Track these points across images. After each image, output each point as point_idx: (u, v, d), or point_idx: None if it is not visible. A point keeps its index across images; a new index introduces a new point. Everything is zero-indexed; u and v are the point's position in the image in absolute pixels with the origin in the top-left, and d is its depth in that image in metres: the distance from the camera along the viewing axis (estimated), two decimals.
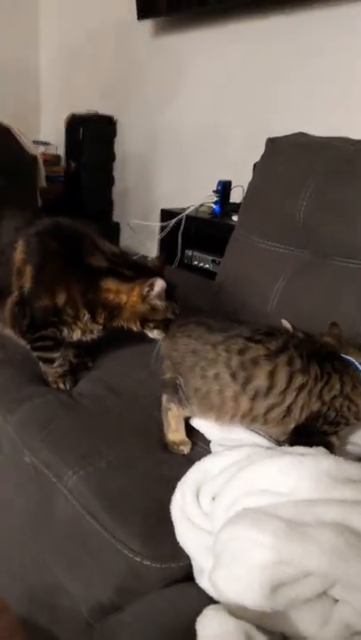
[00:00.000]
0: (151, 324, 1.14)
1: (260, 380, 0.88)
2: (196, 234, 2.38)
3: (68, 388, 1.19)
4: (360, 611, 0.62)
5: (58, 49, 3.53)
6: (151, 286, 1.11)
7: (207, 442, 1.02)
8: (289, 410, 0.89)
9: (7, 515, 1.13)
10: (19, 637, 1.13)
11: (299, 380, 0.88)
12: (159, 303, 1.13)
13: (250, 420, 0.91)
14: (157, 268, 1.21)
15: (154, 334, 1.14)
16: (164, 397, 1.00)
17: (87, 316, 1.16)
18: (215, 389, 0.91)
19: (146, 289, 1.12)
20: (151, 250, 2.67)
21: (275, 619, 0.64)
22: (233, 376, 0.89)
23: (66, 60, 3.49)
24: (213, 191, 2.39)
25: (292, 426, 0.90)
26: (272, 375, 0.88)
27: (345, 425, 0.90)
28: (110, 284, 1.14)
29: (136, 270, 1.16)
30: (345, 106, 2.09)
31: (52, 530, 0.97)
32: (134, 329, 1.17)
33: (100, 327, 1.19)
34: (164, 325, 1.12)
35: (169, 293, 1.14)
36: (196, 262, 2.42)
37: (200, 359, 0.93)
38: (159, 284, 1.11)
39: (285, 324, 1.01)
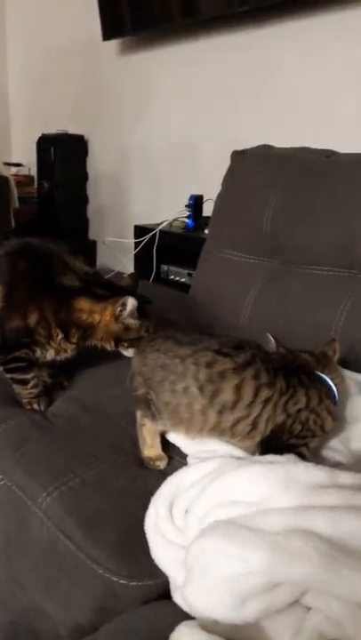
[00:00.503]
0: (125, 344, 1.14)
1: (227, 394, 0.88)
2: (171, 248, 2.40)
3: (42, 408, 1.18)
4: (333, 618, 0.62)
5: (25, 69, 3.56)
6: (123, 305, 1.11)
7: (184, 455, 1.01)
8: (255, 423, 0.89)
9: None
10: None
11: (264, 393, 0.88)
12: (132, 322, 1.13)
13: (218, 433, 0.91)
14: (131, 287, 1.21)
15: (128, 353, 1.14)
16: (138, 413, 1.00)
17: (60, 336, 1.16)
18: (184, 403, 0.91)
19: (118, 308, 1.12)
20: (127, 266, 2.68)
21: (247, 631, 0.63)
22: (201, 389, 0.89)
23: (34, 80, 3.51)
24: (186, 206, 2.41)
25: (258, 439, 0.90)
26: (238, 389, 0.88)
27: (312, 437, 0.90)
28: (83, 303, 1.14)
29: (109, 289, 1.16)
30: (310, 118, 2.13)
31: (28, 552, 0.95)
32: (108, 348, 1.16)
33: (74, 346, 1.18)
34: (139, 343, 1.11)
35: (142, 311, 1.14)
36: (171, 276, 2.44)
37: (169, 373, 0.93)
38: (131, 303, 1.11)
39: (270, 338, 1.00)
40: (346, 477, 0.76)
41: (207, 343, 0.93)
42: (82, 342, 1.17)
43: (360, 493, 0.71)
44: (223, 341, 0.94)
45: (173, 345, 0.95)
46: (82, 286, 1.16)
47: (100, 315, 1.13)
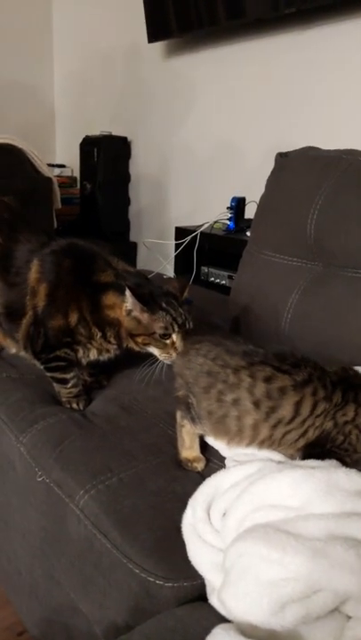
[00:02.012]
0: (139, 339, 1.10)
1: (286, 411, 0.86)
2: (211, 250, 2.39)
3: (81, 408, 1.19)
4: None
5: (70, 72, 3.62)
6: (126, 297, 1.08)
7: (222, 458, 1.01)
8: (305, 432, 0.87)
9: (22, 534, 1.13)
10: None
11: (322, 407, 0.86)
12: (142, 316, 1.08)
13: (267, 445, 0.89)
14: (175, 289, 1.15)
15: (156, 353, 1.10)
16: (178, 414, 1.00)
17: (99, 335, 1.16)
18: (233, 415, 0.88)
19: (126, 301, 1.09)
20: (167, 268, 2.69)
21: (285, 637, 0.62)
22: (256, 404, 0.86)
23: (78, 82, 3.57)
24: (227, 208, 2.40)
25: (302, 444, 0.88)
26: (298, 405, 0.86)
27: (353, 452, 0.87)
28: (111, 298, 1.13)
29: (138, 285, 1.12)
30: (355, 120, 2.09)
31: (65, 549, 0.96)
32: (136, 348, 1.13)
33: (115, 346, 1.18)
34: (162, 343, 1.08)
35: (155, 306, 1.08)
36: (212, 278, 2.43)
37: (217, 381, 0.90)
38: (127, 294, 1.07)
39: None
40: None
41: (263, 357, 0.90)
42: (120, 342, 1.16)
43: None
44: (281, 357, 0.90)
45: (224, 353, 0.92)
46: (114, 282, 1.14)
47: (120, 309, 1.11)
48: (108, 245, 1.25)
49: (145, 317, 1.08)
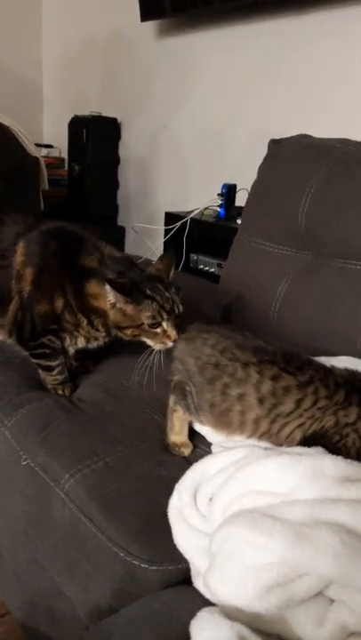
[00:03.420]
0: (128, 331, 1.08)
1: (287, 407, 0.86)
2: (201, 237, 2.38)
3: (67, 394, 1.18)
4: (357, 611, 0.61)
5: (60, 50, 3.55)
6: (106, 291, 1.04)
7: (208, 444, 1.01)
8: (303, 424, 0.86)
9: (5, 517, 1.13)
10: (9, 624, 1.12)
11: (322, 403, 0.85)
12: (125, 307, 1.05)
13: (265, 438, 0.88)
14: (160, 271, 1.13)
15: (150, 343, 1.07)
16: (172, 398, 0.99)
17: (85, 322, 1.13)
18: (237, 409, 0.88)
19: (108, 295, 1.05)
20: (156, 254, 2.67)
21: (269, 620, 0.63)
22: (260, 400, 0.86)
23: (69, 60, 3.50)
24: (218, 194, 2.38)
25: (299, 436, 0.87)
26: (299, 402, 0.85)
27: (345, 456, 0.84)
28: (93, 288, 1.09)
29: (118, 274, 1.08)
30: (349, 108, 2.08)
31: (50, 533, 0.96)
32: (126, 338, 1.10)
33: (103, 334, 1.15)
34: (152, 332, 1.05)
35: (141, 295, 1.04)
36: (201, 266, 2.42)
37: (224, 374, 0.89)
38: (106, 288, 1.04)
39: None
40: None
41: (273, 356, 0.89)
42: (108, 330, 1.13)
43: None
44: (289, 359, 0.89)
45: (234, 347, 0.91)
46: (97, 269, 1.09)
47: (104, 300, 1.07)
48: (98, 229, 1.22)
49: (130, 309, 1.05)
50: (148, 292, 1.05)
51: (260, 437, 0.88)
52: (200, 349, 0.93)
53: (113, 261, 1.12)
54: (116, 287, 1.03)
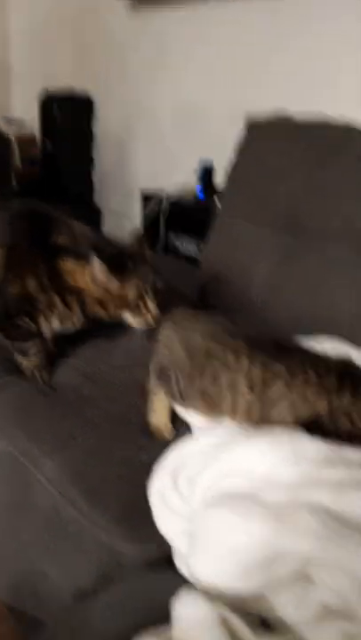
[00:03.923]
0: (110, 308, 1.06)
1: (276, 391, 0.85)
2: (179, 217, 2.35)
3: (44, 379, 1.16)
4: (336, 590, 0.62)
5: (30, 19, 3.41)
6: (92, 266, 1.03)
7: (189, 427, 1.01)
8: (294, 407, 0.85)
9: None
10: (6, 624, 1.12)
11: (312, 389, 0.84)
12: (110, 284, 1.03)
13: (256, 423, 0.87)
14: (134, 248, 1.11)
15: (130, 321, 1.07)
16: (153, 381, 0.98)
17: (59, 302, 1.11)
18: (227, 396, 0.88)
19: (92, 270, 1.03)
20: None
21: (250, 600, 0.64)
22: (251, 388, 0.86)
23: (37, 33, 3.37)
24: (196, 173, 2.35)
25: (291, 420, 0.86)
26: (289, 386, 0.85)
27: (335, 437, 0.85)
28: (68, 265, 1.07)
29: (95, 249, 1.04)
30: (325, 84, 2.07)
31: (32, 517, 0.96)
32: (106, 317, 1.09)
33: (80, 316, 1.13)
34: (135, 309, 1.05)
35: (125, 272, 1.03)
36: (179, 245, 2.39)
37: (214, 361, 0.89)
38: (94, 263, 1.01)
39: None
40: (354, 453, 0.76)
41: (264, 343, 0.89)
42: (84, 311, 1.11)
43: None
44: (279, 346, 0.90)
45: (225, 335, 0.91)
46: (70, 246, 1.07)
47: (82, 278, 1.05)
48: (68, 208, 1.19)
49: (114, 285, 1.04)
50: (131, 266, 1.03)
51: (251, 422, 0.88)
52: (190, 336, 0.93)
53: (87, 239, 1.10)
54: (104, 262, 1.01)
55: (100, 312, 1.09)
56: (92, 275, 1.04)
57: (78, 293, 1.09)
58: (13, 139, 2.57)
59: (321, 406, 0.84)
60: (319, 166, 1.34)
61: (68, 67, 3.20)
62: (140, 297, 1.03)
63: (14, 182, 2.61)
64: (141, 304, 1.04)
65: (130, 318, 1.07)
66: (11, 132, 2.64)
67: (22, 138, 3.11)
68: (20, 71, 3.54)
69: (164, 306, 1.04)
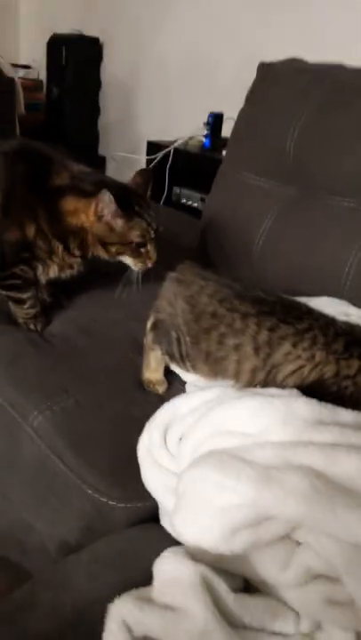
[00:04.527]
0: (113, 248, 1.03)
1: (282, 351, 0.83)
2: (185, 169, 2.28)
3: (38, 329, 1.14)
4: (323, 555, 0.60)
5: None
6: (101, 200, 0.99)
7: (183, 382, 0.99)
8: (300, 368, 0.83)
9: None
10: None
11: (320, 349, 0.82)
12: (116, 222, 1.00)
13: (262, 386, 0.85)
14: (137, 185, 1.07)
15: (129, 262, 1.04)
16: (150, 336, 0.96)
17: (61, 248, 1.07)
18: (233, 359, 0.85)
19: (99, 205, 0.99)
20: None
21: (234, 562, 0.62)
22: (256, 350, 0.83)
23: None
24: (204, 123, 2.27)
25: (296, 382, 0.83)
26: (295, 346, 0.82)
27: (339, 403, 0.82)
28: (70, 203, 1.03)
29: (98, 185, 1.00)
30: (345, 32, 1.95)
31: (18, 469, 0.95)
32: (106, 257, 1.06)
33: (79, 260, 1.10)
34: (137, 252, 1.02)
35: (131, 211, 1.00)
36: (183, 200, 2.33)
37: (221, 324, 0.86)
38: (104, 198, 0.98)
39: None
40: (348, 415, 0.73)
41: (272, 307, 0.86)
42: (84, 253, 1.08)
43: None
44: (288, 309, 0.86)
45: (233, 297, 0.87)
46: (71, 184, 1.03)
47: (85, 214, 1.02)
48: (61, 147, 1.14)
49: (120, 224, 1.00)
50: (137, 208, 1.00)
51: (256, 386, 0.85)
52: (197, 297, 0.89)
53: (87, 176, 1.06)
54: (114, 197, 0.97)
55: (101, 252, 1.06)
56: (99, 209, 1.00)
57: (79, 234, 1.05)
58: (18, 83, 2.48)
59: (329, 372, 0.81)
60: (332, 111, 1.27)
61: (78, 9, 3.06)
62: (143, 238, 1.00)
63: (18, 128, 2.54)
64: (143, 247, 1.01)
65: (129, 261, 1.04)
66: (15, 77, 2.55)
67: (28, 83, 3.01)
68: (29, 16, 3.40)
69: (173, 266, 1.00)
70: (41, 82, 3.19)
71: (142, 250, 1.02)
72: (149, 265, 1.03)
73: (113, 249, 1.03)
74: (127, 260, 1.04)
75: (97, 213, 1.01)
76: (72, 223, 1.04)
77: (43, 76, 3.10)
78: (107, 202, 0.98)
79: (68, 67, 2.80)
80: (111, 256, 1.05)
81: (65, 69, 2.80)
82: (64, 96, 2.85)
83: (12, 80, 2.36)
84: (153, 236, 1.01)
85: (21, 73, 3.11)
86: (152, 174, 1.11)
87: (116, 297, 1.06)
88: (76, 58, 2.81)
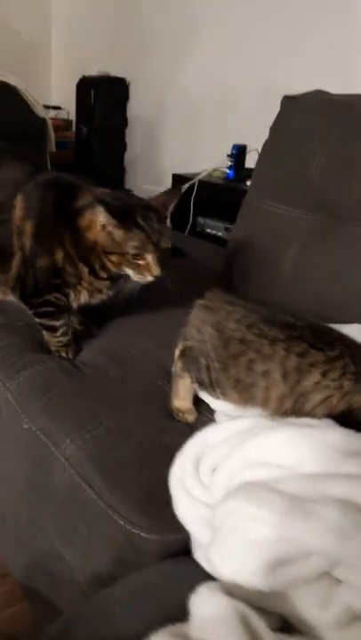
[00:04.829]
0: (113, 258, 1.03)
1: (312, 379, 0.82)
2: (209, 200, 2.31)
3: (70, 357, 1.15)
4: None
5: (68, 8, 3.41)
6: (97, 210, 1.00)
7: (212, 411, 0.98)
8: (328, 398, 0.81)
9: (7, 480, 1.12)
10: (20, 604, 1.12)
11: (349, 381, 0.81)
12: (116, 232, 1.00)
13: (290, 414, 0.83)
14: (160, 202, 1.08)
15: (130, 274, 1.04)
16: (179, 364, 0.95)
17: (86, 271, 1.09)
18: (261, 385, 0.84)
19: (100, 215, 1.01)
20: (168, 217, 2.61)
21: (273, 599, 0.60)
22: (284, 377, 0.82)
23: (76, 18, 3.37)
24: (228, 155, 2.30)
25: (324, 412, 0.82)
26: (324, 375, 0.81)
27: None
28: (86, 218, 1.05)
29: (116, 199, 1.02)
30: None
31: (50, 497, 0.94)
32: (112, 268, 1.06)
33: (107, 283, 1.11)
34: (135, 264, 1.02)
35: (131, 222, 1.00)
36: (208, 230, 2.35)
37: (249, 350, 0.85)
38: (98, 209, 0.99)
39: None
40: None
41: (302, 332, 0.85)
42: (110, 275, 1.09)
43: None
44: (318, 334, 0.85)
45: (261, 322, 0.87)
46: (90, 202, 1.05)
47: (95, 227, 1.03)
48: (92, 179, 1.17)
49: (118, 234, 1.01)
50: (140, 220, 1.00)
51: (284, 414, 0.84)
52: (224, 323, 0.89)
53: (107, 195, 1.07)
54: (109, 208, 0.99)
55: (108, 264, 1.06)
56: (100, 220, 1.01)
57: (95, 250, 1.05)
58: (50, 123, 2.58)
59: (357, 403, 0.80)
60: (354, 141, 1.28)
61: (105, 52, 3.18)
62: (138, 249, 1.00)
63: (49, 165, 2.62)
64: (142, 260, 1.01)
65: (130, 272, 1.04)
66: (47, 117, 2.64)
67: (58, 122, 3.12)
68: (60, 59, 3.55)
69: (201, 294, 0.99)
70: (70, 121, 3.31)
71: (140, 262, 1.01)
72: (149, 278, 1.02)
73: (113, 258, 1.04)
74: (128, 271, 1.04)
75: (100, 223, 1.02)
76: (90, 239, 1.05)
77: (72, 115, 3.21)
78: (99, 212, 1.00)
79: (97, 106, 2.90)
80: (114, 266, 1.05)
81: (93, 109, 2.91)
82: (92, 134, 2.95)
83: (43, 120, 2.45)
84: (152, 249, 1.00)
85: (52, 113, 3.23)
86: (179, 192, 1.13)
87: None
88: (104, 97, 2.92)
